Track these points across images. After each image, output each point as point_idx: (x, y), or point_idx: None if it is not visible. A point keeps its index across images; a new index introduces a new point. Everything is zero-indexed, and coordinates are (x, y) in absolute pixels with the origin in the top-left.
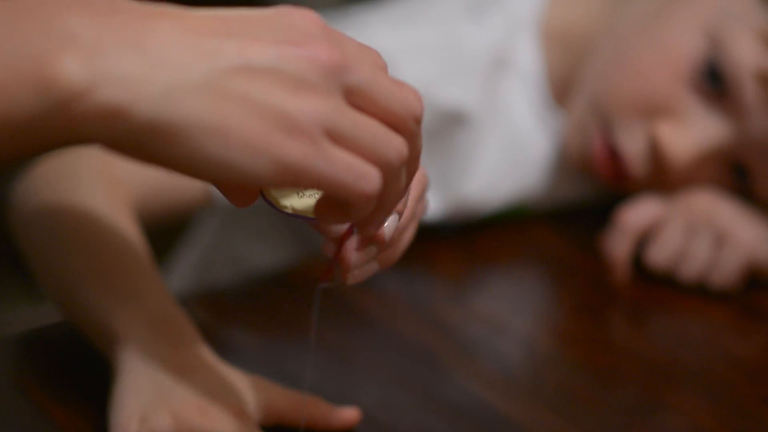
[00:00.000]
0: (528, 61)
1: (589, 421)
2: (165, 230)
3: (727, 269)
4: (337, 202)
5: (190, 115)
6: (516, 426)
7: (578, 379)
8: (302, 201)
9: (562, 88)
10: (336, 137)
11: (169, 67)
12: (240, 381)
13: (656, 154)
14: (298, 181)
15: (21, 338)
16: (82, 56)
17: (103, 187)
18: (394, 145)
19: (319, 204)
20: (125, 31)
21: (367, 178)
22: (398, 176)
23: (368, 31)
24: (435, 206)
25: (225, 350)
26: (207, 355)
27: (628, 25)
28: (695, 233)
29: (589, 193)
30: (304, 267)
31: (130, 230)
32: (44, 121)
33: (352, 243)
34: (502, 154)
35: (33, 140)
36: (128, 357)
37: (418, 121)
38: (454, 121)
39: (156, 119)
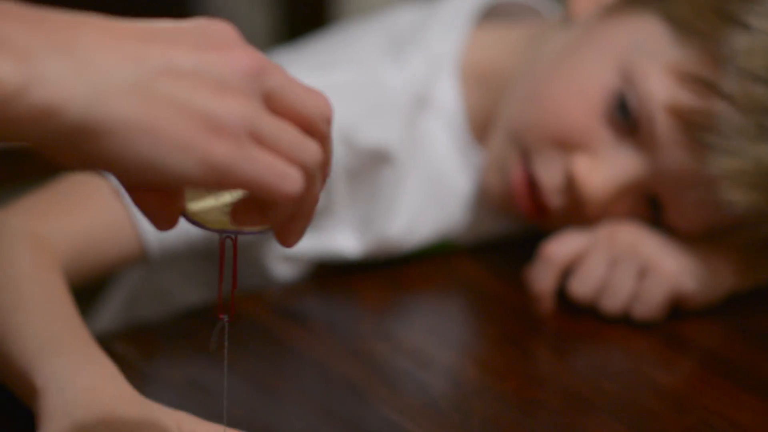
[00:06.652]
0: (448, 100)
1: None
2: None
3: (650, 300)
4: (256, 205)
5: (119, 115)
6: None
7: (503, 411)
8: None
9: (482, 126)
10: (258, 139)
11: (97, 70)
12: (164, 417)
13: (573, 189)
14: (224, 180)
15: None
16: (13, 59)
17: (27, 245)
18: (311, 148)
19: (238, 207)
20: (54, 37)
21: (289, 178)
22: (315, 179)
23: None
24: (357, 246)
25: (150, 386)
26: (130, 393)
27: (543, 60)
28: (618, 265)
29: (513, 227)
30: (228, 301)
31: (52, 284)
32: None
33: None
34: (425, 193)
35: None
36: (49, 408)
37: (328, 122)
38: (378, 160)
39: (87, 119)
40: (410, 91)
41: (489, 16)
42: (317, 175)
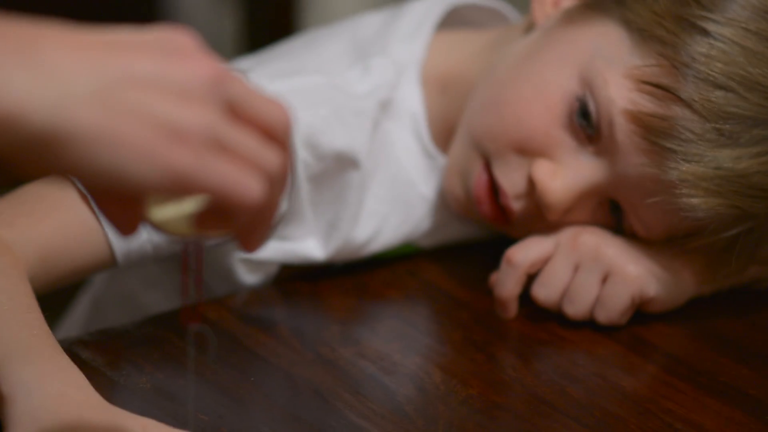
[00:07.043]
0: (411, 106)
1: None
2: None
3: (613, 304)
4: (218, 212)
5: (81, 124)
6: None
7: (468, 416)
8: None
9: (446, 132)
10: (219, 146)
11: (59, 78)
12: (131, 423)
13: (534, 194)
14: (186, 188)
15: None
16: None
17: None
18: (271, 155)
19: (200, 214)
20: (17, 47)
21: (250, 185)
22: (276, 186)
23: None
24: (322, 250)
25: (116, 392)
26: (97, 399)
27: (504, 65)
28: (581, 269)
29: (477, 232)
30: (194, 308)
31: (18, 292)
32: None
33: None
34: (389, 198)
35: None
36: (16, 415)
37: (288, 130)
38: (342, 165)
39: (49, 127)
40: (375, 97)
41: (454, 21)
42: (278, 181)
